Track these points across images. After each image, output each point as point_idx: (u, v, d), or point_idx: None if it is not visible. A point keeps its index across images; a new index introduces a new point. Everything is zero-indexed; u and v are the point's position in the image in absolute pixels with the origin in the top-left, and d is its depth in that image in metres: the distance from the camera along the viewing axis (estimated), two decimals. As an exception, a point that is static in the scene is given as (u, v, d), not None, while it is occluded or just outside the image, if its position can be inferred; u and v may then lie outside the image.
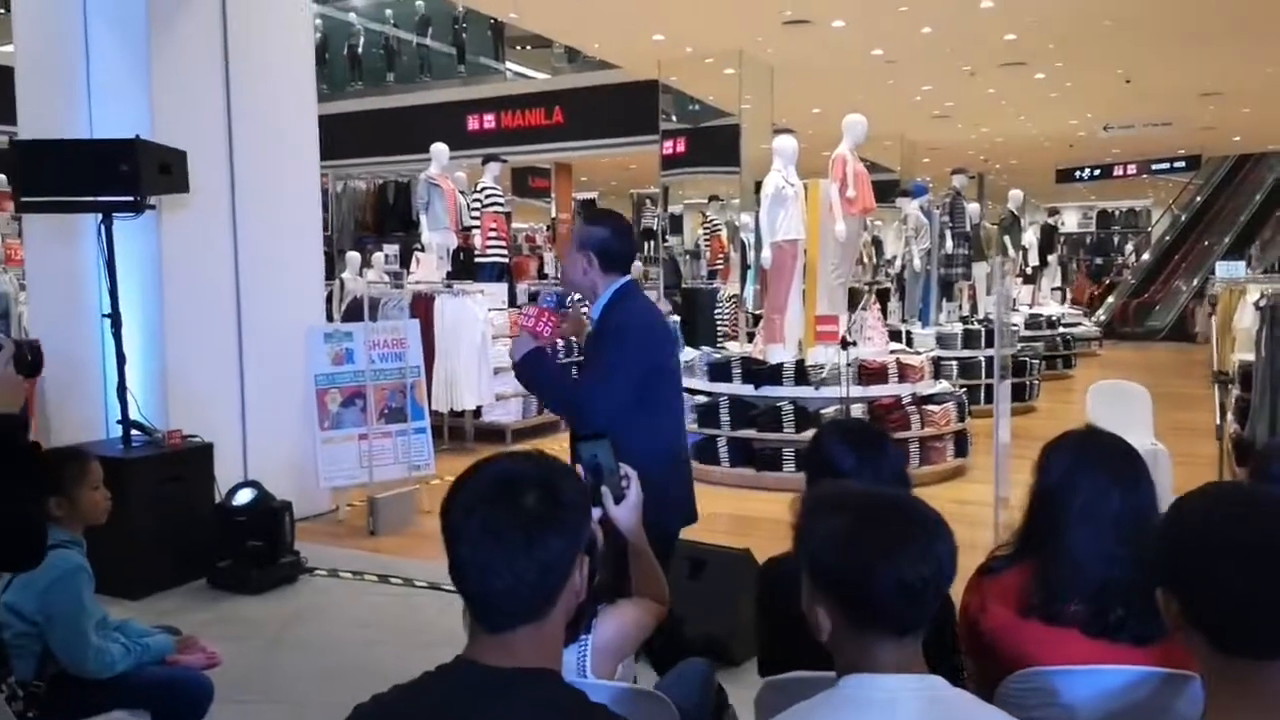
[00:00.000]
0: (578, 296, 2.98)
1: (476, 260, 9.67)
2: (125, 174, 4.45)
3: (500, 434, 8.38)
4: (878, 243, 14.46)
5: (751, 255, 9.98)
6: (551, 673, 1.18)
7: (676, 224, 17.38)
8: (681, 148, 15.36)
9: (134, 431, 4.73)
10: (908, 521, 1.26)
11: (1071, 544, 1.71)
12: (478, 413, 8.23)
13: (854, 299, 7.96)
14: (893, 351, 7.57)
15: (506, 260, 10.08)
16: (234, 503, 4.73)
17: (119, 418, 4.71)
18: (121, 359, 4.67)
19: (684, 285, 13.66)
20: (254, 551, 4.65)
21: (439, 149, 9.49)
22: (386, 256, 10.58)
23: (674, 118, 14.87)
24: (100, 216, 4.59)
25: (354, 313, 8.06)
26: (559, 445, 8.32)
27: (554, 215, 19.12)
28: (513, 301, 9.67)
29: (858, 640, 1.24)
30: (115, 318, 4.64)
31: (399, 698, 1.18)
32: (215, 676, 2.77)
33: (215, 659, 2.83)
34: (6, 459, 1.61)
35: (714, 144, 13.51)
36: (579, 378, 2.77)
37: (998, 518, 4.39)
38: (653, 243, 20.67)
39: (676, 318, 11.36)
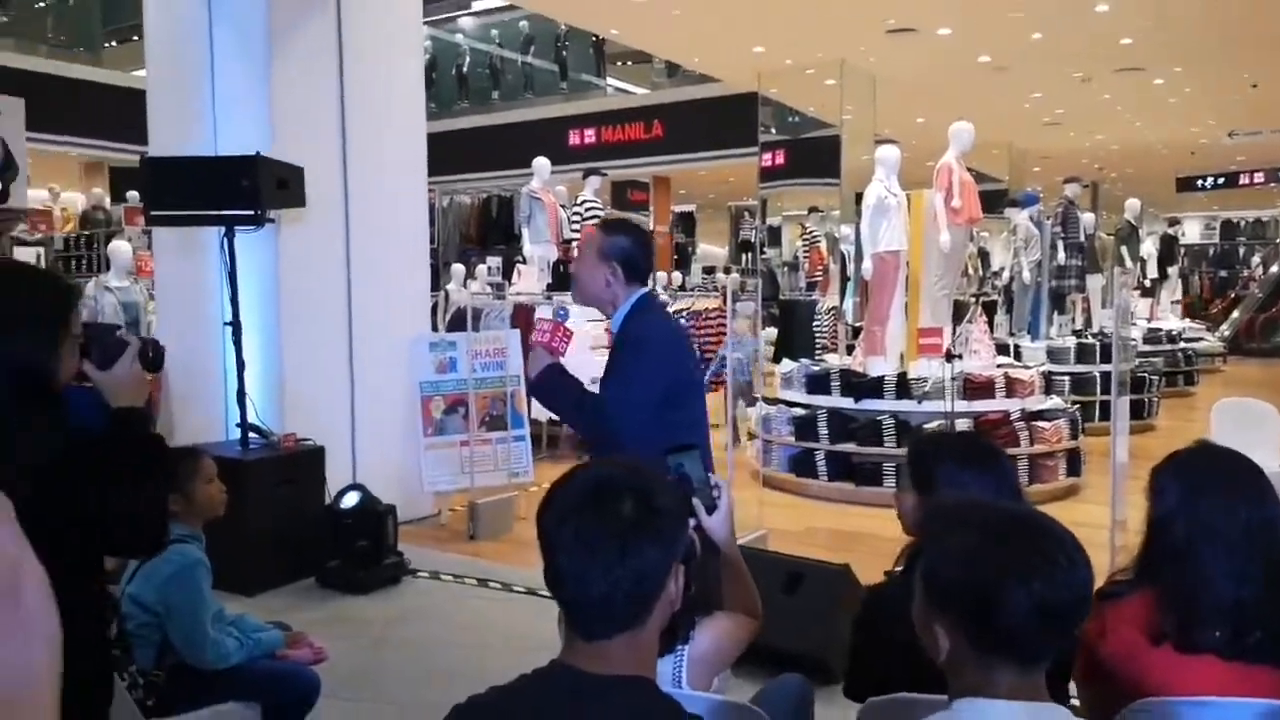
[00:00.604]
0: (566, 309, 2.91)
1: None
2: (246, 189, 4.67)
3: (597, 444, 8.42)
4: (984, 254, 14.03)
5: (851, 267, 9.82)
6: (647, 681, 1.17)
7: (775, 236, 17.27)
8: (781, 159, 15.27)
9: (251, 434, 4.94)
10: (1048, 541, 1.16)
11: (1199, 565, 1.62)
12: (575, 422, 8.30)
13: (959, 312, 7.74)
14: (1000, 366, 7.33)
15: (605, 272, 10.16)
16: (341, 505, 4.88)
17: (238, 421, 4.94)
18: (241, 365, 4.89)
19: (781, 297, 13.55)
20: (361, 553, 4.79)
21: (541, 163, 9.66)
22: (490, 268, 10.81)
23: (773, 130, 14.79)
24: (223, 229, 4.82)
25: (458, 323, 8.27)
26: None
27: (653, 228, 19.22)
28: (611, 313, 9.74)
29: (979, 664, 1.16)
30: (236, 326, 4.87)
31: (496, 699, 1.19)
32: (322, 673, 2.86)
33: (322, 654, 2.92)
34: (133, 449, 1.68)
35: (814, 155, 13.38)
36: (600, 391, 2.64)
37: (1114, 541, 4.19)
38: (750, 255, 20.59)
39: (773, 330, 11.27)
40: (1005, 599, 1.12)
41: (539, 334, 2.67)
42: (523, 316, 7.82)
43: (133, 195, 12.70)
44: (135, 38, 15.84)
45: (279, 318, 5.41)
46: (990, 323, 9.42)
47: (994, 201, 13.19)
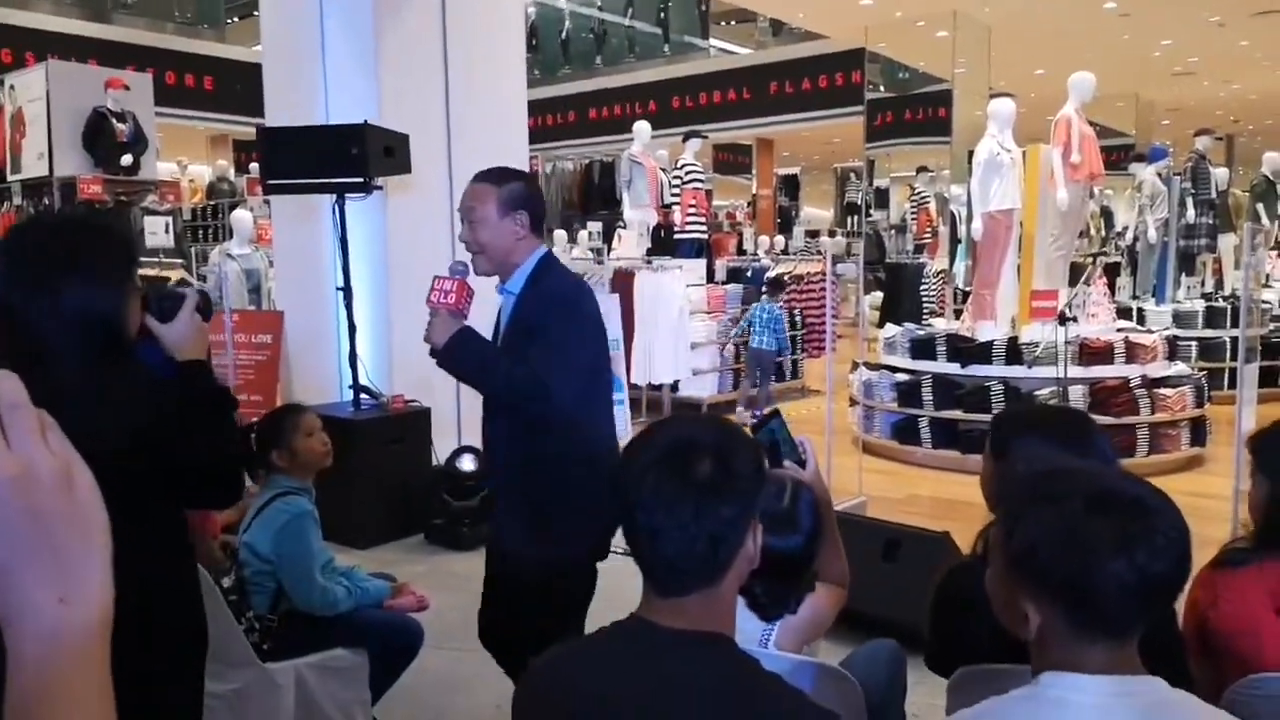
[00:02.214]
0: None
1: (676, 236, 9.77)
2: (355, 157, 4.82)
3: (697, 408, 8.45)
4: (1106, 212, 13.32)
5: (962, 228, 9.49)
6: (724, 638, 1.18)
7: (882, 198, 16.83)
8: (889, 118, 14.80)
9: (363, 396, 5.13)
10: (1142, 511, 1.10)
11: None
12: (675, 386, 8.35)
13: (1076, 273, 7.40)
14: (1120, 330, 6.99)
15: (706, 236, 10.12)
16: (458, 466, 5.03)
17: (350, 383, 5.14)
18: (353, 329, 5.08)
19: (888, 260, 13.22)
20: (465, 511, 4.95)
21: (641, 127, 9.64)
22: (590, 234, 10.89)
23: (881, 87, 14.37)
24: (334, 197, 4.99)
25: (559, 288, 8.37)
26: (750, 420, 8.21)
27: (755, 191, 18.99)
28: (711, 278, 9.72)
29: (1071, 639, 1.12)
30: (347, 291, 5.05)
31: (574, 649, 1.22)
32: (426, 625, 2.98)
33: (424, 602, 3.02)
34: (202, 401, 1.67)
35: (924, 113, 12.93)
36: (530, 360, 2.22)
37: (1236, 513, 3.97)
38: (856, 217, 20.11)
39: (878, 294, 11.02)
40: (1107, 574, 1.07)
41: (438, 294, 2.29)
42: (622, 281, 7.87)
43: (254, 167, 13.27)
44: (255, 13, 16.45)
45: (388, 282, 5.58)
46: (1112, 285, 8.97)
47: (1119, 157, 12.50)
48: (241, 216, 7.48)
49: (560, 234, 11.21)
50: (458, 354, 2.29)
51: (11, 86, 7.79)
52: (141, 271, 6.48)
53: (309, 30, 5.74)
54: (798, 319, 9.53)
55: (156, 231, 7.15)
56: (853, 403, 7.36)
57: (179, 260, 7.12)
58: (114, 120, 7.46)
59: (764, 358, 8.19)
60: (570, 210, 13.40)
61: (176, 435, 1.54)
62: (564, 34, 19.11)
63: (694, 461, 1.15)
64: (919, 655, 2.91)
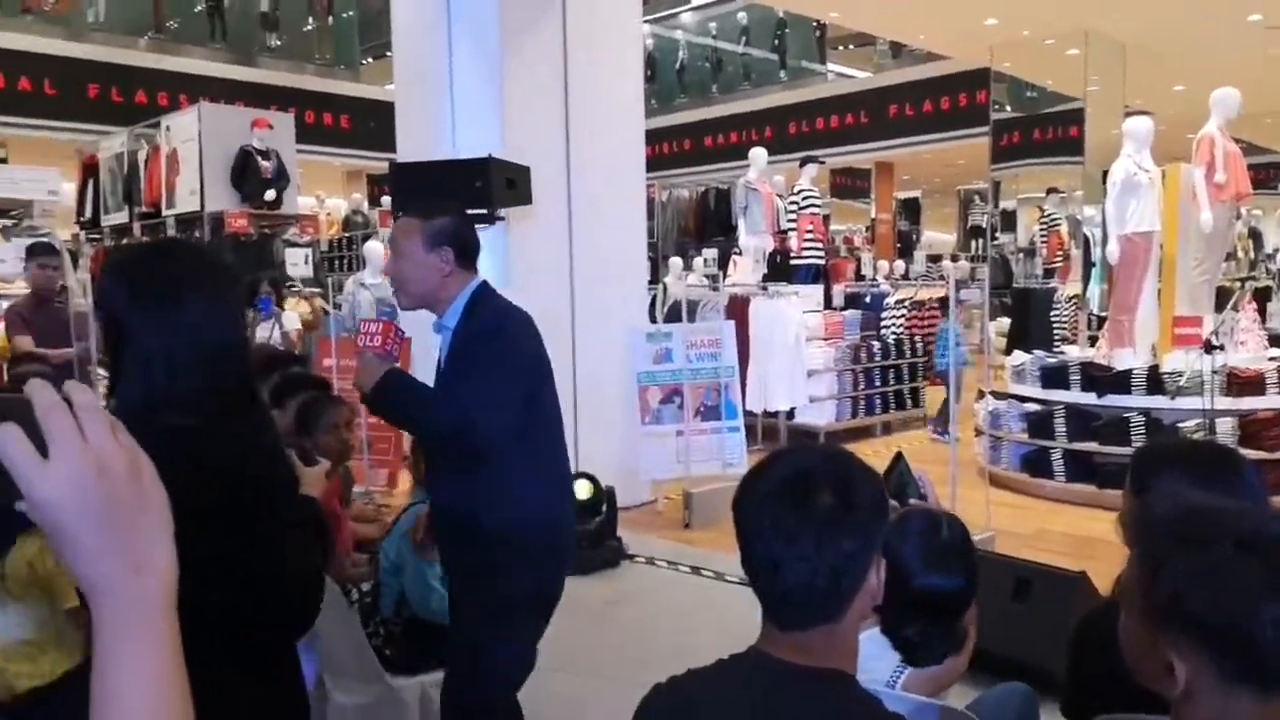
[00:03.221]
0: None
1: (793, 262, 9.69)
2: (479, 189, 4.99)
3: (813, 436, 8.31)
4: (1255, 234, 12.52)
5: (1096, 251, 9.08)
6: (846, 675, 1.15)
7: (1008, 220, 16.29)
8: (1016, 138, 14.36)
9: (483, 420, 5.27)
10: None
11: None
12: (791, 414, 8.24)
13: (1223, 298, 6.96)
14: (1272, 359, 6.52)
15: (823, 262, 10.00)
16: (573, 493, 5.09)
17: (471, 407, 5.28)
18: (474, 355, 5.23)
19: (1015, 285, 12.75)
20: (580, 535, 4.99)
21: (757, 154, 9.63)
22: (706, 260, 10.91)
23: (1007, 107, 13.97)
24: (459, 228, 5.17)
25: (675, 315, 8.42)
26: (871, 449, 8.04)
27: (873, 216, 18.66)
28: (828, 304, 9.59)
29: (1218, 691, 1.02)
30: (470, 318, 5.21)
31: (693, 681, 1.21)
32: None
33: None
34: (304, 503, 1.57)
35: (1054, 132, 12.49)
36: (458, 396, 2.20)
37: None
38: (981, 241, 19.49)
39: (1005, 320, 10.65)
40: (1261, 619, 0.99)
41: (364, 337, 2.29)
42: (738, 308, 7.85)
43: (386, 200, 13.89)
44: (388, 54, 17.30)
45: (508, 310, 5.73)
46: (1262, 311, 8.40)
47: (1268, 176, 11.74)
48: (373, 248, 7.83)
49: (675, 261, 11.27)
50: (386, 396, 2.24)
51: (168, 128, 8.40)
52: (288, 299, 6.72)
53: (438, 69, 6.00)
54: (919, 345, 9.29)
55: (297, 263, 7.56)
56: (978, 433, 7.10)
57: (317, 290, 7.50)
58: (259, 158, 7.95)
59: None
60: (685, 238, 13.47)
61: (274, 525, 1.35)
62: (680, 63, 19.33)
63: (814, 492, 1.13)
64: (1051, 700, 2.77)
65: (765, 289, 8.36)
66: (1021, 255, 14.77)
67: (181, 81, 13.61)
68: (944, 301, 8.92)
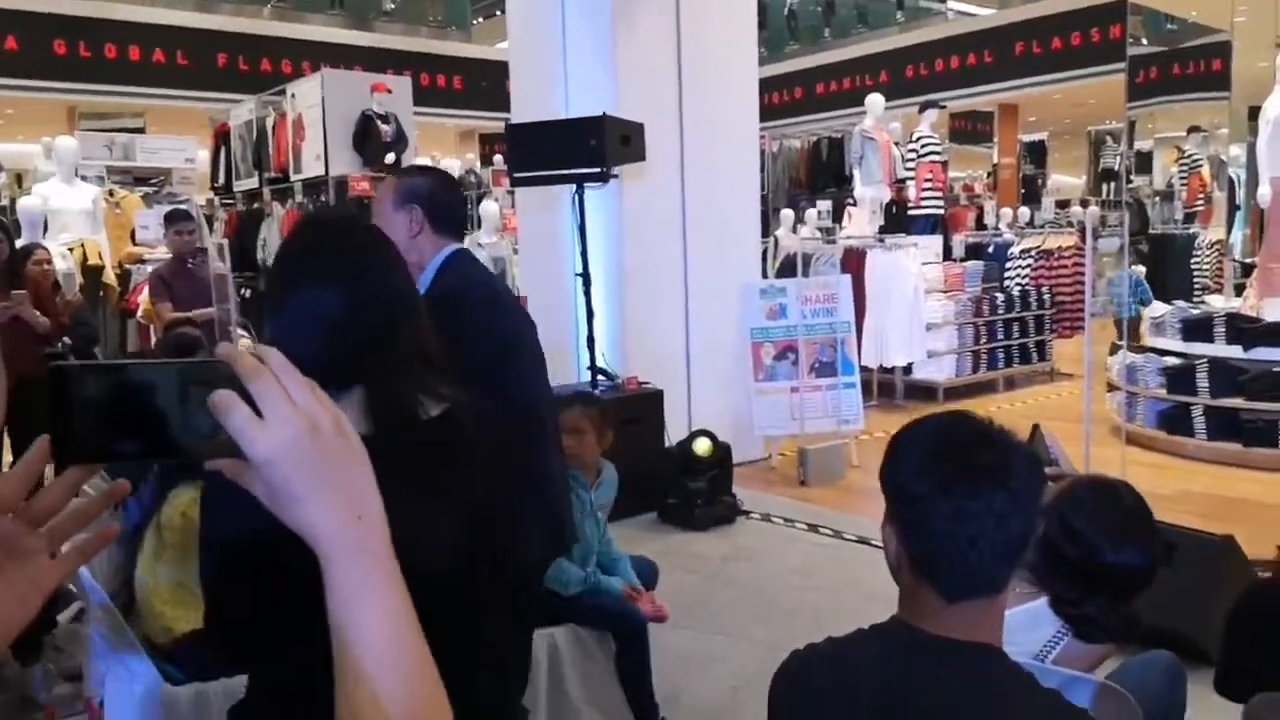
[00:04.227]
0: None
1: (910, 213, 9.38)
2: (593, 148, 4.98)
3: (931, 391, 8.11)
4: None
5: (1242, 194, 8.46)
6: (996, 649, 1.12)
7: (1144, 162, 15.38)
8: (1153, 74, 13.51)
9: (599, 377, 5.33)
10: None
11: None
12: (908, 369, 8.05)
13: (1391, 243, 6.41)
14: None
15: (942, 212, 9.66)
16: (692, 448, 5.11)
17: (588, 364, 5.35)
18: (590, 313, 5.28)
19: (1151, 231, 12.05)
20: (698, 492, 5.03)
21: (874, 101, 9.31)
22: (820, 213, 10.68)
23: (1144, 41, 13.10)
24: (574, 187, 5.20)
25: (787, 269, 8.29)
26: (994, 405, 7.80)
27: (995, 161, 17.84)
28: (947, 255, 9.26)
29: None
30: (586, 277, 5.25)
31: (835, 651, 1.20)
32: (665, 602, 3.06)
33: (662, 614, 3.05)
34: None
35: (1195, 67, 11.65)
36: None
37: None
38: (1114, 184, 18.45)
39: (1141, 269, 10.09)
40: None
41: None
42: (853, 261, 7.66)
43: (498, 159, 14.09)
44: (498, 13, 17.41)
45: (622, 267, 5.75)
46: None
47: None
48: (489, 208, 7.97)
49: (787, 214, 11.07)
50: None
51: (293, 95, 8.68)
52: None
53: (551, 28, 6.00)
54: (1045, 297, 8.90)
55: (415, 224, 7.75)
56: (1111, 388, 6.77)
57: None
58: (379, 122, 8.14)
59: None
60: (797, 189, 13.18)
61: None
62: (789, 8, 18.79)
63: (987, 462, 1.09)
64: (1195, 669, 2.65)
65: (882, 241, 8.13)
66: (1158, 199, 13.97)
67: (303, 48, 14.04)
68: (1078, 249, 8.51)
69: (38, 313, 4.45)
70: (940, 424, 1.19)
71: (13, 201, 9.70)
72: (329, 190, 8.06)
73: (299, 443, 0.62)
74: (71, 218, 6.80)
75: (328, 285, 1.32)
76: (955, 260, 9.20)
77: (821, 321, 6.20)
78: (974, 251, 9.78)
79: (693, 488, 5.04)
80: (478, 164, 15.33)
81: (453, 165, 16.27)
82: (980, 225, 13.33)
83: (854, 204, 9.75)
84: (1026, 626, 1.52)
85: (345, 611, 0.63)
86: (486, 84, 15.11)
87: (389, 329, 1.34)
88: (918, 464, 1.13)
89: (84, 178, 7.43)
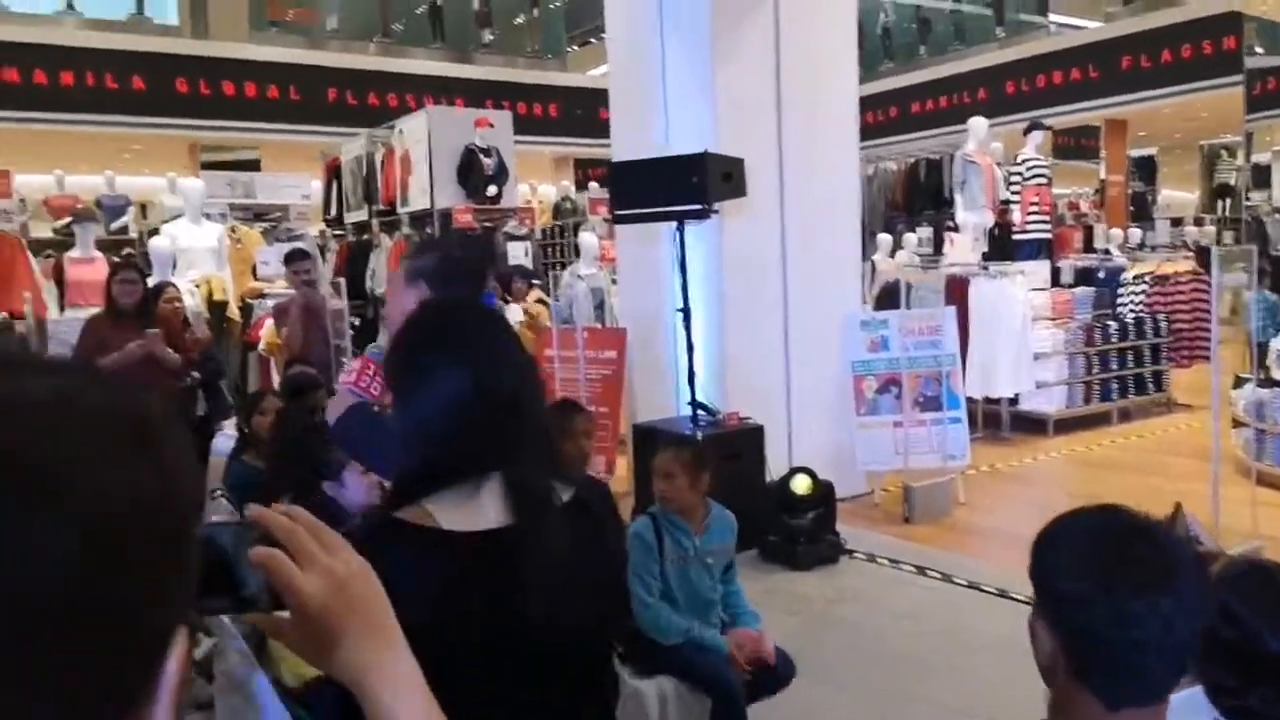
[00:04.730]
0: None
1: (1015, 237, 9.13)
2: (695, 185, 5.02)
3: (1041, 424, 7.86)
4: None
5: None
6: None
7: (1262, 176, 14.69)
8: (1271, 85, 12.90)
9: (699, 412, 5.34)
10: None
11: None
12: (1015, 400, 7.82)
13: None
14: None
15: (1049, 236, 9.36)
16: (792, 488, 5.07)
17: (689, 399, 5.36)
18: (690, 347, 5.29)
19: (1273, 251, 11.47)
20: (799, 529, 4.98)
21: (977, 124, 9.11)
22: (920, 240, 10.48)
23: (1260, 50, 12.52)
24: (675, 223, 5.23)
25: (886, 297, 8.16)
26: (1109, 439, 7.48)
27: (1103, 177, 17.22)
28: (1055, 281, 8.97)
29: None
30: (686, 311, 5.27)
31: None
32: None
33: (769, 659, 2.99)
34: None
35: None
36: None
37: None
38: (1229, 201, 17.62)
39: (1271, 295, 9.61)
40: None
41: (346, 374, 2.43)
42: (957, 289, 7.50)
43: (593, 185, 14.29)
44: (592, 41, 17.72)
45: (722, 301, 5.76)
46: None
47: None
48: (588, 239, 8.08)
49: (884, 238, 10.88)
50: (343, 429, 2.36)
51: (401, 131, 8.99)
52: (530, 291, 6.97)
53: (650, 60, 6.07)
54: (1161, 324, 8.54)
55: (518, 256, 7.93)
56: (1236, 424, 6.45)
57: (538, 281, 7.83)
58: (481, 155, 8.37)
59: None
60: (893, 212, 12.96)
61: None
62: (883, 27, 18.58)
63: (1148, 563, 1.06)
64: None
65: (986, 268, 7.94)
66: (1278, 216, 13.29)
67: (407, 82, 14.53)
68: (1195, 274, 8.15)
69: (170, 350, 4.71)
70: (1094, 518, 1.15)
71: (141, 235, 10.31)
72: (434, 222, 8.30)
73: (335, 589, 0.72)
74: (198, 255, 7.18)
75: (451, 369, 1.32)
76: (1064, 286, 8.91)
77: (926, 354, 6.08)
78: (1083, 277, 9.45)
79: (794, 525, 5.00)
80: (573, 190, 15.56)
81: (548, 192, 16.57)
82: (1088, 246, 12.88)
83: (954, 229, 9.54)
84: (1180, 713, 1.47)
85: None
86: (581, 111, 15.36)
87: (516, 407, 1.34)
88: (1073, 563, 1.10)
89: (208, 215, 7.84)
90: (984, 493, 6.20)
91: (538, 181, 16.84)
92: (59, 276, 7.36)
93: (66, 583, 0.40)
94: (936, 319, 6.20)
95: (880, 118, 17.51)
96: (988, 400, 7.70)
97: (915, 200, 12.78)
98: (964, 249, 8.61)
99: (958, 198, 9.25)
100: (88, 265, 6.96)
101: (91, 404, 0.45)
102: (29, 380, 0.45)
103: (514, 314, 6.89)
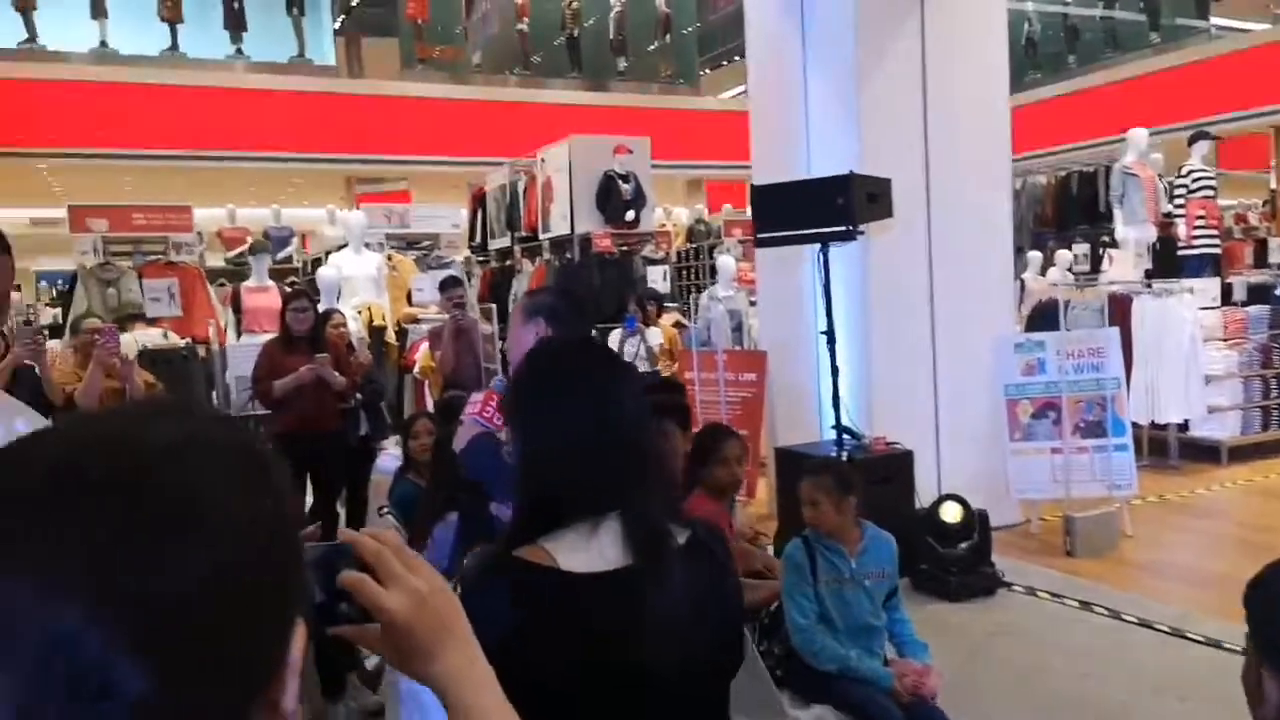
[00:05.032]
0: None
1: (1181, 253, 8.60)
2: (840, 207, 4.94)
3: (1214, 451, 7.34)
4: None
5: None
6: None
7: None
8: None
9: (845, 437, 5.23)
10: None
11: None
12: (1184, 426, 7.33)
13: None
14: None
15: (1218, 251, 8.78)
16: (942, 515, 4.91)
17: (833, 424, 5.27)
18: (835, 371, 5.20)
19: None
20: (952, 559, 4.80)
21: (1136, 135, 8.66)
22: (1076, 257, 9.99)
23: None
24: (819, 245, 5.17)
25: (1038, 317, 7.80)
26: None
27: (1273, 187, 16.02)
28: (1226, 298, 8.38)
29: None
30: (830, 335, 5.18)
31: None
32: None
33: (933, 692, 2.90)
34: None
35: None
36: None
37: None
38: None
39: None
40: None
41: (471, 405, 2.50)
42: (1119, 309, 7.10)
43: (727, 207, 14.32)
44: (724, 63, 17.80)
45: (868, 324, 5.65)
46: None
47: None
48: (725, 262, 8.10)
49: (1034, 256, 10.44)
50: (470, 458, 2.42)
51: (542, 160, 9.25)
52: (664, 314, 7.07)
53: (792, 82, 6.05)
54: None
55: (656, 280, 8.01)
56: None
57: (675, 304, 7.89)
58: (620, 181, 8.51)
59: None
60: (1043, 228, 12.41)
61: None
62: (1027, 36, 17.90)
63: None
64: None
65: (1150, 286, 7.50)
66: None
67: (546, 112, 14.97)
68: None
69: (336, 373, 4.98)
70: None
71: (305, 264, 10.96)
72: (574, 247, 8.48)
73: (417, 605, 0.79)
74: (360, 283, 7.59)
75: (572, 408, 1.32)
76: (1236, 304, 8.32)
77: (1087, 378, 5.78)
78: (1258, 294, 8.80)
79: (947, 554, 4.82)
80: (706, 212, 15.62)
81: (681, 215, 16.69)
82: (1259, 261, 11.99)
83: (1111, 243, 9.06)
84: None
85: None
86: (714, 134, 15.44)
87: (636, 446, 1.34)
88: None
89: (367, 245, 8.27)
90: (1153, 525, 5.82)
91: (671, 205, 17.00)
92: (235, 304, 7.89)
93: (220, 584, 0.49)
94: (1099, 340, 5.89)
95: (1029, 130, 16.86)
96: (1154, 426, 7.25)
97: (1067, 215, 12.21)
98: (1125, 265, 8.17)
99: (1116, 212, 8.80)
100: (262, 294, 7.45)
101: (219, 442, 0.54)
102: (165, 424, 0.53)
103: (654, 336, 6.95)
